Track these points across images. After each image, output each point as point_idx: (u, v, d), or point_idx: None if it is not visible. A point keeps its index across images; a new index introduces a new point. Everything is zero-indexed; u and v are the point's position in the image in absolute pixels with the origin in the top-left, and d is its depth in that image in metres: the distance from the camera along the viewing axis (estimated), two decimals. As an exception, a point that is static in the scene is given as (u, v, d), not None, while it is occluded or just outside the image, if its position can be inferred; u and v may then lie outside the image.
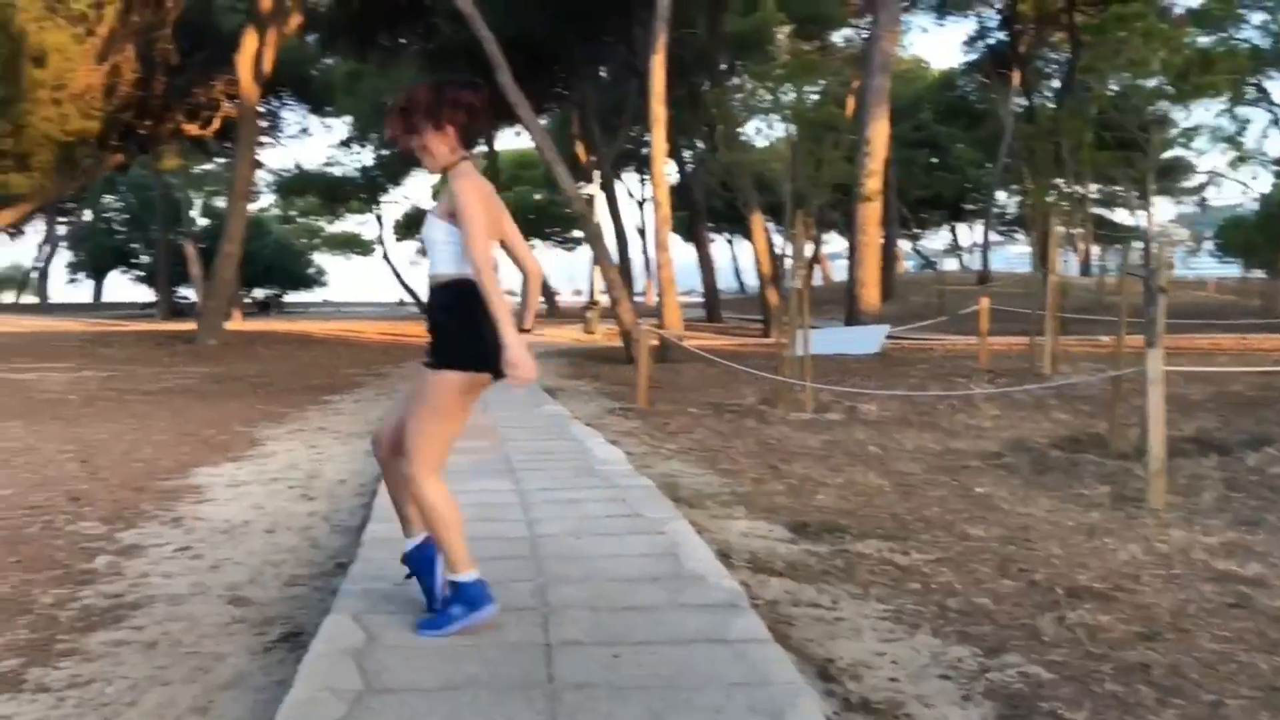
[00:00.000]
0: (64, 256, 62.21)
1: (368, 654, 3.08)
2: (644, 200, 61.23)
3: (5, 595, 4.10)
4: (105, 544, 4.88)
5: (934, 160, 50.94)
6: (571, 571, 3.96)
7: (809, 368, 10.11)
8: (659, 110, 17.00)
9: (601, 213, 39.98)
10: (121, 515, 5.50)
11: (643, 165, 54.10)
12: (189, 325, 24.51)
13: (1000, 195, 51.21)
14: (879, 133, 17.48)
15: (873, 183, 17.52)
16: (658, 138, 17.10)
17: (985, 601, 3.99)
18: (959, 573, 4.37)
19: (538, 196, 60.65)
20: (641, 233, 60.17)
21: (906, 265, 61.51)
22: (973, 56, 44.52)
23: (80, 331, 26.53)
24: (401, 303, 58.69)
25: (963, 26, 61.46)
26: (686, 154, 37.27)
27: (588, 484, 5.71)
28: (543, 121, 46.98)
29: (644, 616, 3.44)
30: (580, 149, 42.68)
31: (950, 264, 64.07)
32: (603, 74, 37.25)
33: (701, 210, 35.62)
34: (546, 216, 61.65)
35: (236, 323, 29.48)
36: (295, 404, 11.35)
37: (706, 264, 33.43)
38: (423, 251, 3.49)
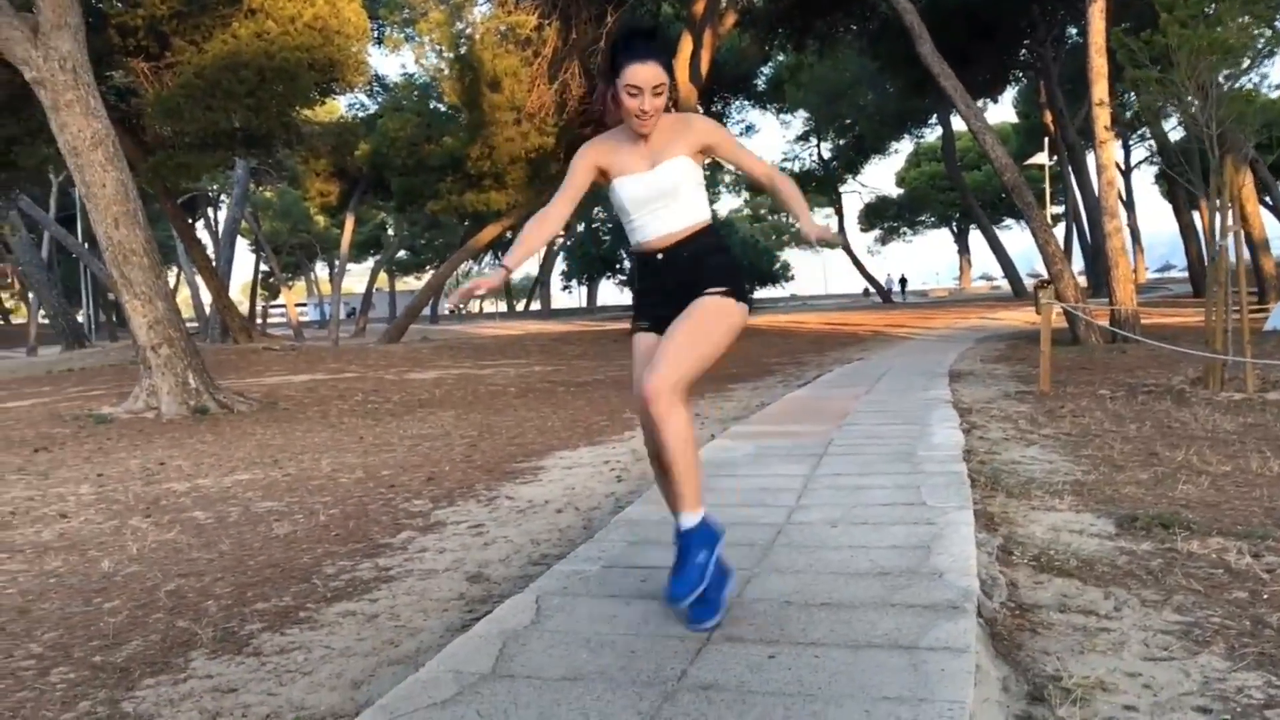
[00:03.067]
0: (561, 267, 68.84)
1: (521, 637, 2.95)
2: (1129, 168, 56.56)
3: (303, 564, 4.44)
4: (419, 520, 5.17)
5: None
6: (795, 562, 3.58)
7: (1249, 342, 8.63)
8: (1099, 62, 15.48)
9: (1069, 183, 37.38)
10: (453, 494, 5.83)
11: (1123, 129, 50.00)
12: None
13: None
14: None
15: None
16: (1098, 92, 15.55)
17: (1326, 619, 3.10)
18: (1312, 582, 3.44)
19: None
20: (1128, 205, 55.60)
21: None
22: None
23: (555, 332, 29.07)
24: (866, 292, 58.62)
25: None
26: (1171, 113, 33.71)
27: (891, 469, 5.20)
28: (1009, 91, 45.04)
29: (835, 614, 3.00)
30: (1048, 118, 39.98)
31: None
32: (1071, 35, 34.75)
33: (1185, 173, 32.00)
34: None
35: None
36: (696, 391, 11.57)
37: (1189, 232, 29.99)
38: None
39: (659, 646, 2.83)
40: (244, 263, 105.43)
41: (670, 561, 3.04)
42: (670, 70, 3.04)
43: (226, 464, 7.70)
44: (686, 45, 21.55)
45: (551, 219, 3.19)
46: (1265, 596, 3.31)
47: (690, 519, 2.95)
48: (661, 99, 2.98)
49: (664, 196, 3.04)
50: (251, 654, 3.30)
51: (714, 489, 4.92)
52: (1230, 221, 8.39)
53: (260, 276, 57.28)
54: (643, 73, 2.93)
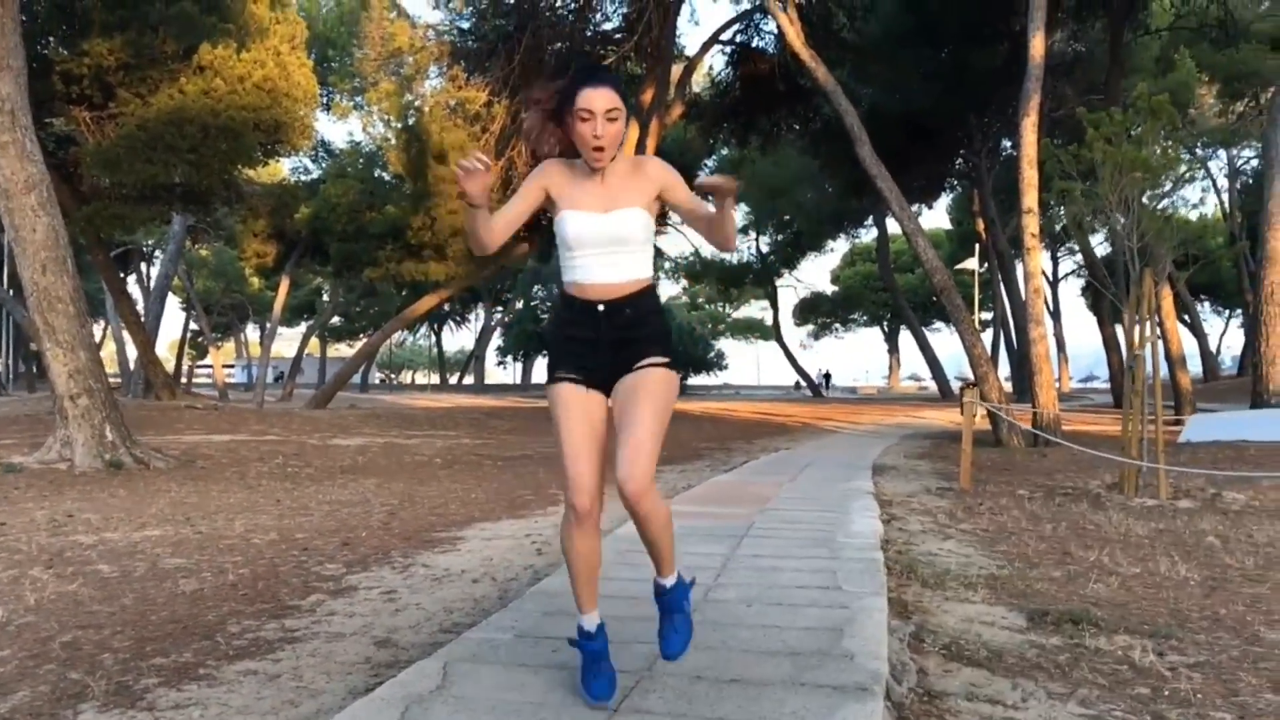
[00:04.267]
0: (497, 342, 68.82)
1: (425, 702, 2.89)
2: (1057, 279, 58.21)
3: (207, 622, 4.32)
4: (330, 584, 5.06)
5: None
6: (708, 639, 3.56)
7: (1162, 449, 8.85)
8: (1030, 174, 15.95)
9: (998, 290, 38.45)
10: (367, 560, 5.72)
11: (1052, 241, 51.61)
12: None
13: None
14: (1288, 188, 15.36)
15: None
16: (1028, 201, 16.02)
17: (1225, 717, 3.14)
18: (1212, 680, 3.50)
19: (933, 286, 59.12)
20: (1054, 314, 57.05)
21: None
22: None
23: (486, 407, 28.89)
24: (797, 385, 59.26)
25: None
26: (1096, 227, 34.99)
27: (809, 554, 5.22)
28: (944, 198, 46.39)
29: (744, 691, 2.99)
30: (980, 226, 41.10)
31: None
32: (1005, 148, 35.91)
33: (1110, 287, 33.06)
34: (948, 298, 59.79)
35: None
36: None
37: (1111, 344, 30.81)
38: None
39: (565, 717, 2.79)
40: (173, 320, 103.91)
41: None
42: (625, 98, 2.93)
43: (137, 519, 7.50)
44: (633, 133, 21.89)
45: (495, 228, 2.97)
46: (1166, 693, 3.36)
47: (673, 579, 3.16)
48: (616, 126, 2.87)
49: (613, 244, 2.94)
50: (145, 709, 3.19)
51: (634, 564, 4.89)
52: (1149, 332, 8.65)
53: (189, 335, 56.39)
54: (595, 97, 2.83)
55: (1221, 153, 47.45)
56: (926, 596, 4.64)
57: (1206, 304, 58.06)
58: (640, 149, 22.18)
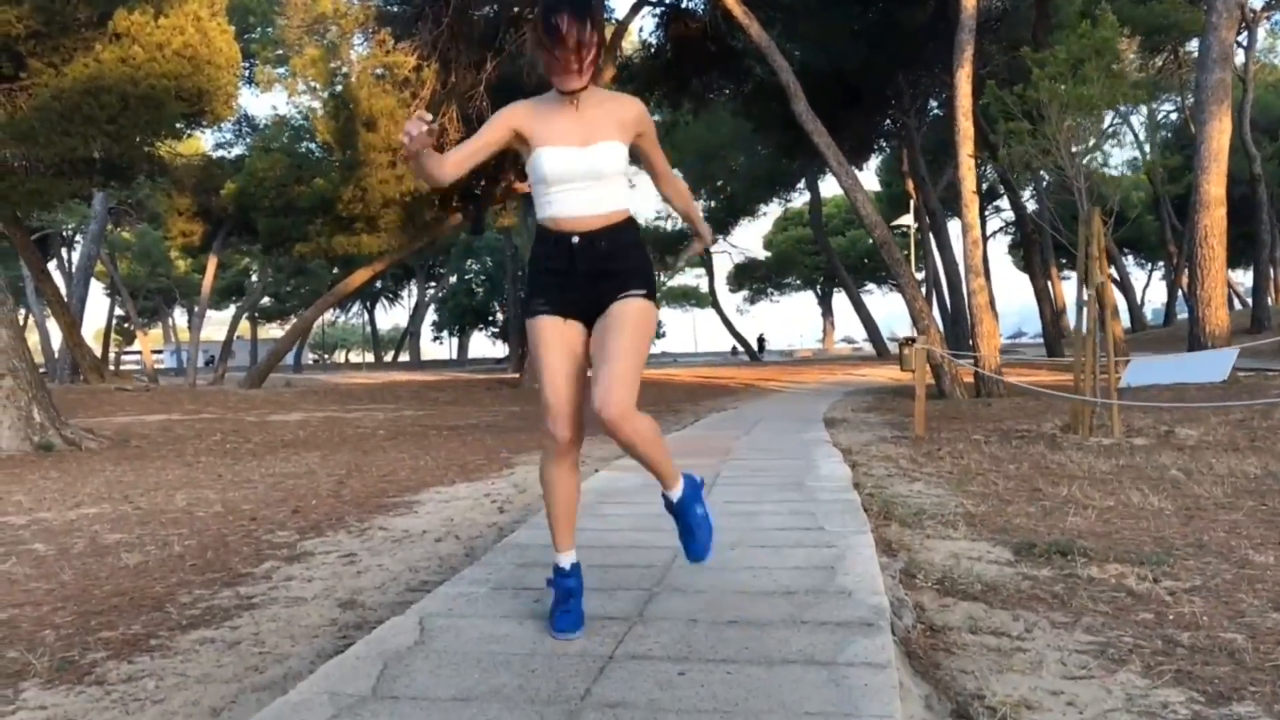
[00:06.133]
0: (432, 318, 68.04)
1: (404, 658, 2.68)
2: (986, 238, 58.81)
3: (155, 594, 4.06)
4: (284, 551, 4.81)
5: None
6: (697, 582, 3.40)
7: (1114, 389, 8.86)
8: (965, 125, 15.94)
9: (929, 249, 38.80)
10: (320, 526, 5.47)
11: (982, 200, 52.02)
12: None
13: None
14: (1218, 132, 15.40)
15: (1214, 189, 15.49)
16: (964, 154, 16.01)
17: (1235, 637, 3.04)
18: (1214, 603, 3.41)
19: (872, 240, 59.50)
20: (985, 272, 57.63)
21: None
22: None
23: (425, 381, 28.50)
24: (734, 351, 59.40)
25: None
26: (1039, 167, 35.51)
27: (783, 498, 5.08)
28: (873, 159, 46.62)
29: (745, 632, 2.82)
30: (910, 185, 41.30)
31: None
32: (933, 107, 36.05)
33: (1040, 242, 33.55)
34: (882, 261, 60.27)
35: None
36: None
37: (1044, 297, 31.22)
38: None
39: (558, 665, 2.61)
40: (97, 308, 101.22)
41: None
42: (603, 34, 2.88)
43: (71, 499, 7.15)
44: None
45: (448, 161, 2.90)
46: (1171, 618, 3.26)
47: (677, 491, 3.15)
48: (593, 54, 2.82)
49: (590, 177, 2.87)
50: (94, 683, 2.95)
51: (603, 515, 4.73)
52: (1097, 272, 8.63)
53: (115, 321, 54.94)
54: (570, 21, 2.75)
55: (1143, 108, 48.28)
56: (907, 535, 4.52)
57: (1130, 258, 59.19)
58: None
